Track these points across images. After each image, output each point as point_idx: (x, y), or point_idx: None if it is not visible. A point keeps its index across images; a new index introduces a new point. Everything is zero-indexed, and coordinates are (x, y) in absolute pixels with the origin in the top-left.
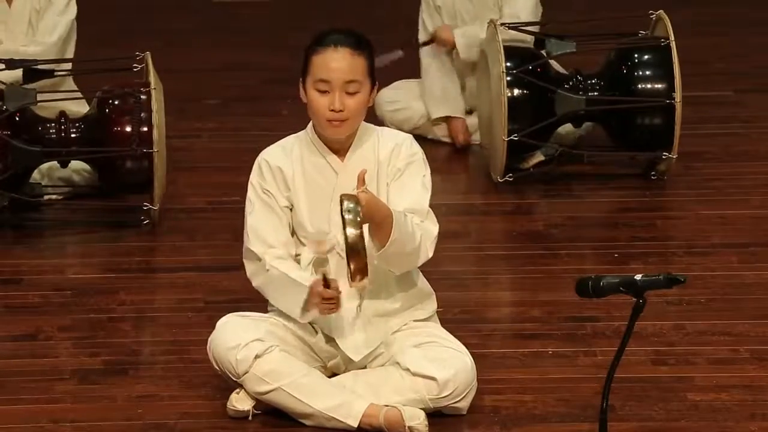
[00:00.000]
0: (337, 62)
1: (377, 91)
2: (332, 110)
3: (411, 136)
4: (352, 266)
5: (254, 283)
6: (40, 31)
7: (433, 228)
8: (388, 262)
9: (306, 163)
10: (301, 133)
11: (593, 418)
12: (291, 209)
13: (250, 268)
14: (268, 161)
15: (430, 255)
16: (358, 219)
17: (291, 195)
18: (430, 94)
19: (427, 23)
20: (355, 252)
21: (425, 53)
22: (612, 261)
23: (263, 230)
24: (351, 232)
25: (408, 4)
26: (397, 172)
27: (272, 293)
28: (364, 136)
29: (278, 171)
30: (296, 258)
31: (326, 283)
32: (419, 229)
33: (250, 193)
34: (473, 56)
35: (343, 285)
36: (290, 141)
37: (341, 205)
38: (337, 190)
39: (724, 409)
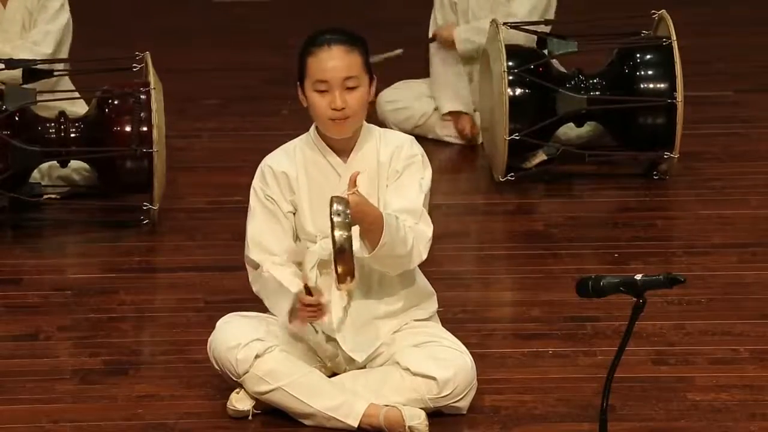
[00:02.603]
0: (332, 61)
1: (375, 87)
2: (334, 109)
3: (413, 137)
4: (339, 269)
5: (254, 290)
6: (32, 39)
7: (426, 229)
8: (380, 264)
9: (309, 165)
10: (303, 136)
11: (593, 418)
12: (294, 213)
13: (250, 274)
14: (272, 167)
15: (424, 257)
16: (347, 221)
17: (295, 198)
18: (439, 89)
19: (439, 20)
20: (342, 254)
21: (434, 50)
22: (612, 261)
23: (264, 238)
24: (339, 234)
25: (408, 5)
26: (395, 174)
27: (266, 298)
28: (367, 138)
29: (282, 176)
30: (299, 262)
31: (309, 291)
32: (412, 232)
33: (251, 200)
34: (469, 48)
35: (332, 291)
36: (293, 144)
37: (330, 207)
38: (340, 191)
39: (724, 409)
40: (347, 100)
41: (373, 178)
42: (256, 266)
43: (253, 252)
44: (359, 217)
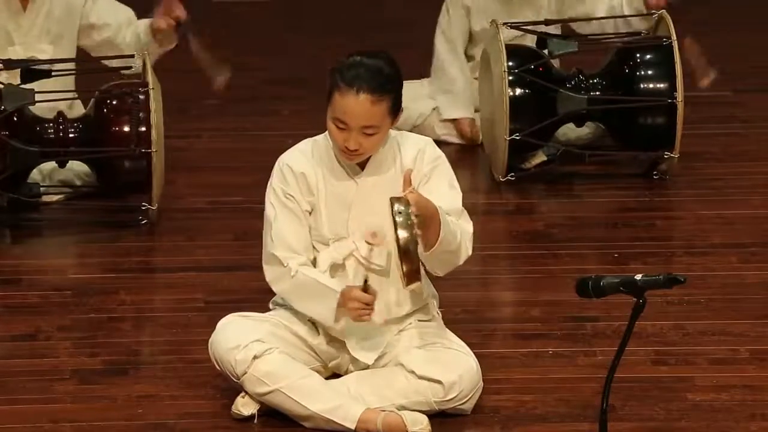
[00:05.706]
0: (356, 109)
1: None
2: (347, 147)
3: (430, 139)
4: (404, 268)
5: (276, 289)
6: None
7: (468, 226)
8: (436, 262)
9: (325, 169)
10: (319, 138)
11: (593, 418)
12: (311, 213)
13: (272, 273)
14: (291, 166)
15: (470, 252)
16: (409, 221)
17: (313, 200)
18: (446, 93)
19: (443, 23)
20: (407, 254)
21: (445, 52)
22: (612, 261)
23: (287, 235)
24: (402, 234)
25: (408, 5)
26: (423, 178)
27: (299, 299)
28: (384, 144)
29: (302, 176)
30: (312, 262)
31: (366, 289)
32: (458, 227)
33: (271, 198)
34: None
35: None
36: (309, 145)
37: (391, 207)
38: (356, 198)
39: (724, 409)
40: (362, 143)
41: (394, 183)
42: (281, 264)
43: (277, 249)
44: (421, 213)
